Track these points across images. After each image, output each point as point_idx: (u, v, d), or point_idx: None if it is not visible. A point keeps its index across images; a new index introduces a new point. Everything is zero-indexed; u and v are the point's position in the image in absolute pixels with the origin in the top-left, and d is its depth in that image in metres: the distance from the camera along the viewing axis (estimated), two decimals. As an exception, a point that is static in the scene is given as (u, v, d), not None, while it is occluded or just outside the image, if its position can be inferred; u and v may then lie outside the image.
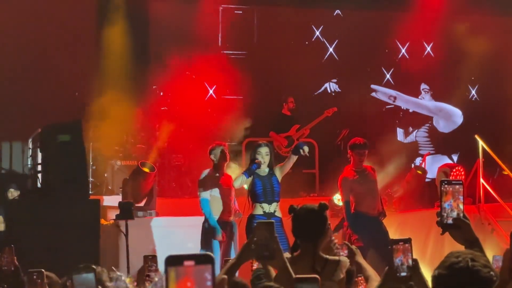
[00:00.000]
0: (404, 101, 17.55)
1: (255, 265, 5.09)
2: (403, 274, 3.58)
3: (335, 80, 17.20)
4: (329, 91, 17.21)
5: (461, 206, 3.24)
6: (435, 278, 2.92)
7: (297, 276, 3.20)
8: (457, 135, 17.40)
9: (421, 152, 17.25)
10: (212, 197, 10.26)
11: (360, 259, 5.65)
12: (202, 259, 2.06)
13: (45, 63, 14.27)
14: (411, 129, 17.56)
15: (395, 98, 17.42)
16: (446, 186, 3.23)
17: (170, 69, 14.87)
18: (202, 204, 10.26)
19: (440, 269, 2.90)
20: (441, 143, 17.49)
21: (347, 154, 10.84)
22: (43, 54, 14.28)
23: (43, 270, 4.84)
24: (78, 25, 14.66)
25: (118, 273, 4.20)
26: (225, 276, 2.66)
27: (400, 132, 17.47)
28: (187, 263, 2.04)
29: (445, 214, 3.21)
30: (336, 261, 5.01)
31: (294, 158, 9.62)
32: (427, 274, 4.14)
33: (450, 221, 3.21)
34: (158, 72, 14.66)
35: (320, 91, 17.09)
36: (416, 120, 17.59)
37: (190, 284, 2.04)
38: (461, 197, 3.23)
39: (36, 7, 14.49)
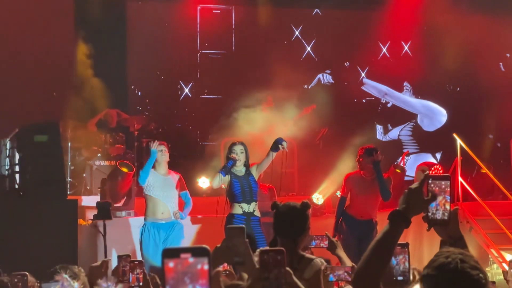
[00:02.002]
0: (395, 98, 17.56)
1: (221, 266, 5.06)
2: (400, 278, 3.56)
3: (328, 71, 17.23)
4: (322, 82, 17.22)
5: (447, 206, 3.19)
6: (423, 278, 2.89)
7: (262, 249, 3.17)
8: (440, 133, 17.45)
9: (405, 151, 17.30)
10: (148, 197, 10.15)
11: (340, 252, 5.66)
12: (199, 252, 2.10)
13: (22, 63, 14.18)
14: (390, 126, 17.59)
15: (385, 94, 17.44)
16: (431, 184, 3.19)
17: (148, 69, 14.84)
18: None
19: (429, 269, 2.86)
20: (425, 141, 17.52)
21: (356, 159, 10.51)
22: (21, 54, 14.20)
23: (27, 273, 4.76)
24: (56, 25, 14.59)
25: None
26: (220, 269, 2.63)
27: (379, 129, 17.49)
28: (184, 255, 2.08)
29: (430, 213, 3.17)
30: (310, 260, 5.00)
31: (272, 155, 9.55)
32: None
33: (437, 216, 3.16)
34: (135, 72, 14.61)
35: (313, 83, 17.11)
36: (396, 116, 17.61)
37: (187, 276, 2.08)
38: (448, 197, 3.19)
39: (14, 7, 14.40)
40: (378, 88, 17.42)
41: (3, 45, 14.17)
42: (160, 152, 10.22)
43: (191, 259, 2.08)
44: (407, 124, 17.68)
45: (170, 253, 2.09)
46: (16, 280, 4.63)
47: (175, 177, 10.35)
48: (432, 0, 16.47)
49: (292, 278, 3.41)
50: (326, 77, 17.23)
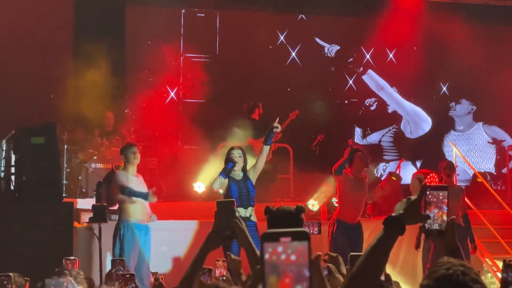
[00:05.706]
0: (389, 96, 17.49)
1: (218, 272, 5.00)
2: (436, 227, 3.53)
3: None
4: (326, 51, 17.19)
5: (445, 217, 3.18)
6: None
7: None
8: (421, 142, 17.41)
9: (385, 157, 17.25)
10: (129, 200, 10.22)
11: (343, 269, 5.60)
12: (299, 236, 2.10)
13: (20, 65, 14.18)
14: (369, 130, 17.47)
15: (382, 88, 17.39)
16: (428, 195, 3.17)
17: (133, 73, 14.87)
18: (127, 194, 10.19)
19: (429, 280, 2.84)
20: (406, 149, 17.43)
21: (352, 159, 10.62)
22: (19, 56, 14.20)
23: (11, 274, 4.76)
24: (54, 27, 14.59)
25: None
26: (320, 253, 2.59)
27: (358, 132, 17.40)
28: (283, 239, 2.09)
29: (428, 224, 3.16)
30: None
31: (266, 149, 9.60)
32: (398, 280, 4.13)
33: (434, 226, 3.16)
34: (124, 77, 14.66)
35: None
36: (377, 121, 17.51)
37: (286, 260, 2.09)
38: (445, 208, 3.18)
39: (12, 9, 14.40)
40: (377, 81, 17.34)
41: (0, 47, 14.16)
42: (133, 154, 10.29)
43: (291, 243, 2.09)
44: (390, 129, 17.56)
45: (270, 237, 2.10)
46: (5, 282, 4.64)
47: (141, 178, 10.42)
48: (418, 8, 16.46)
49: None
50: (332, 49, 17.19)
